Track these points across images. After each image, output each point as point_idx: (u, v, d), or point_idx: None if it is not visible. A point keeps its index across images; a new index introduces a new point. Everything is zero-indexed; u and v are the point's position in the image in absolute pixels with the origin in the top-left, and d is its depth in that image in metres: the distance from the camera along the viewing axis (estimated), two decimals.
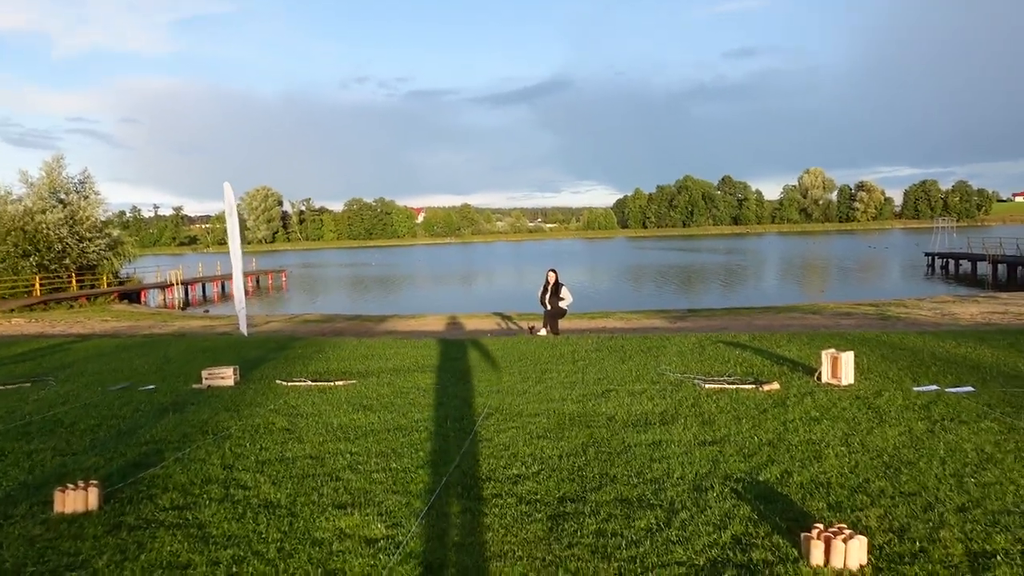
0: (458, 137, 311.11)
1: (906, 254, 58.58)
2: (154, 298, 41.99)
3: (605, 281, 45.15)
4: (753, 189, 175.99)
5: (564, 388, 6.26)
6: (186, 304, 39.84)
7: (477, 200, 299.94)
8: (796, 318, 19.25)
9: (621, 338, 9.61)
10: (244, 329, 13.24)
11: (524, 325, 18.64)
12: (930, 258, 45.74)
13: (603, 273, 51.86)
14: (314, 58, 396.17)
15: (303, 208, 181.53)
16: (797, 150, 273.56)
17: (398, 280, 54.22)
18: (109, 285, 38.45)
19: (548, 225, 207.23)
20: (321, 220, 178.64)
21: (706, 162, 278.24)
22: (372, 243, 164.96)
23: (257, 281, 54.05)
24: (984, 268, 39.53)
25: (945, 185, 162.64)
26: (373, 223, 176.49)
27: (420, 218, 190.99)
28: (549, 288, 12.04)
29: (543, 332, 11.54)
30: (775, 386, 6.04)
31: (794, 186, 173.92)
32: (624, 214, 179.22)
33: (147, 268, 49.49)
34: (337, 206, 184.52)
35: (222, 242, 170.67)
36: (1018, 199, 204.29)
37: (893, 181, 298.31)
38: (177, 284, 42.26)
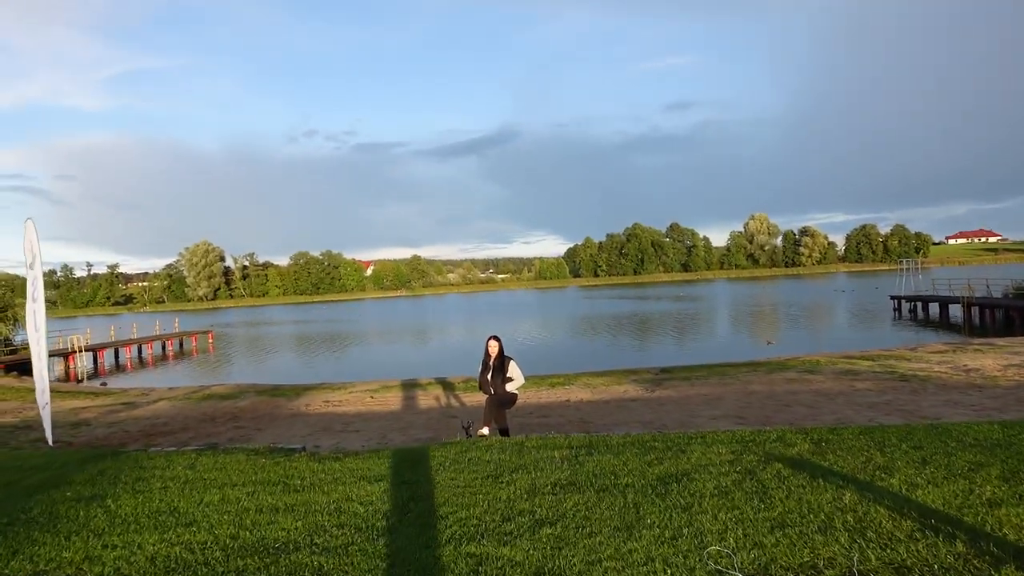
0: (407, 189, 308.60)
1: (867, 298, 57.02)
2: (51, 369, 36.87)
3: (561, 335, 41.76)
4: (701, 236, 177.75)
5: None
6: (94, 374, 34.83)
7: (428, 252, 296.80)
8: (796, 380, 16.09)
9: (606, 447, 6.04)
10: (48, 435, 9.15)
11: (464, 400, 14.88)
12: (896, 301, 43.88)
13: (558, 326, 48.54)
14: (259, 112, 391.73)
15: (246, 263, 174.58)
16: (739, 198, 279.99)
17: (339, 338, 49.82)
18: None
19: (500, 276, 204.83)
20: (266, 275, 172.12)
21: (653, 210, 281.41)
22: (319, 298, 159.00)
23: (181, 344, 48.98)
24: (956, 311, 37.66)
25: (882, 230, 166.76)
26: (320, 277, 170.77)
27: (369, 271, 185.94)
28: (492, 364, 8.47)
29: (484, 431, 7.88)
30: None
31: (740, 232, 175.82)
32: (575, 263, 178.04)
33: (50, 333, 44.08)
34: (283, 261, 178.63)
35: (160, 300, 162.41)
36: (951, 242, 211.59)
37: (828, 227, 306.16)
38: (79, 351, 37.16)
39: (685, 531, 3.77)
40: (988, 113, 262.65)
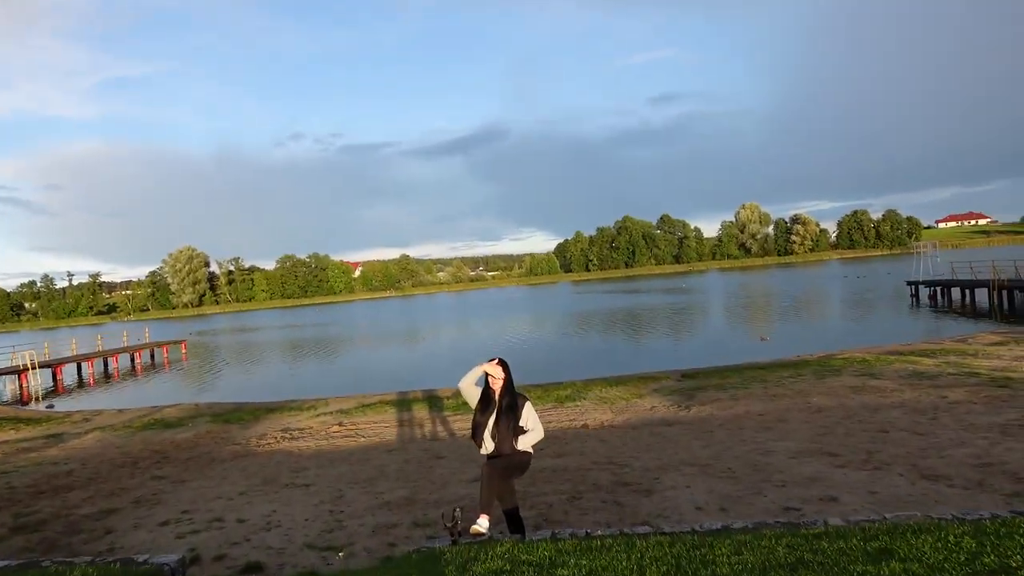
0: (395, 190, 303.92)
1: (876, 284, 54.29)
2: (2, 389, 33.54)
3: (558, 335, 38.66)
4: (692, 227, 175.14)
5: None
6: (54, 392, 31.52)
7: (417, 252, 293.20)
8: (862, 389, 13.10)
9: None
10: None
11: (454, 426, 11.68)
12: (913, 287, 41.16)
13: (553, 324, 45.42)
14: (246, 116, 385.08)
15: (232, 268, 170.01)
16: (729, 188, 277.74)
17: (322, 344, 46.59)
18: None
19: (490, 273, 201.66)
20: (252, 280, 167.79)
21: (643, 203, 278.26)
22: (307, 301, 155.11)
23: (152, 356, 45.56)
24: (982, 296, 35.01)
25: (874, 215, 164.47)
26: (308, 280, 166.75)
27: (358, 272, 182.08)
28: (496, 400, 5.24)
29: (483, 525, 4.81)
30: None
31: (732, 222, 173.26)
32: (566, 258, 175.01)
33: (5, 347, 40.64)
34: (270, 265, 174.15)
35: (144, 309, 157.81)
36: (941, 226, 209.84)
37: (816, 215, 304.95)
38: (33, 368, 33.77)
39: None
40: (969, 97, 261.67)
